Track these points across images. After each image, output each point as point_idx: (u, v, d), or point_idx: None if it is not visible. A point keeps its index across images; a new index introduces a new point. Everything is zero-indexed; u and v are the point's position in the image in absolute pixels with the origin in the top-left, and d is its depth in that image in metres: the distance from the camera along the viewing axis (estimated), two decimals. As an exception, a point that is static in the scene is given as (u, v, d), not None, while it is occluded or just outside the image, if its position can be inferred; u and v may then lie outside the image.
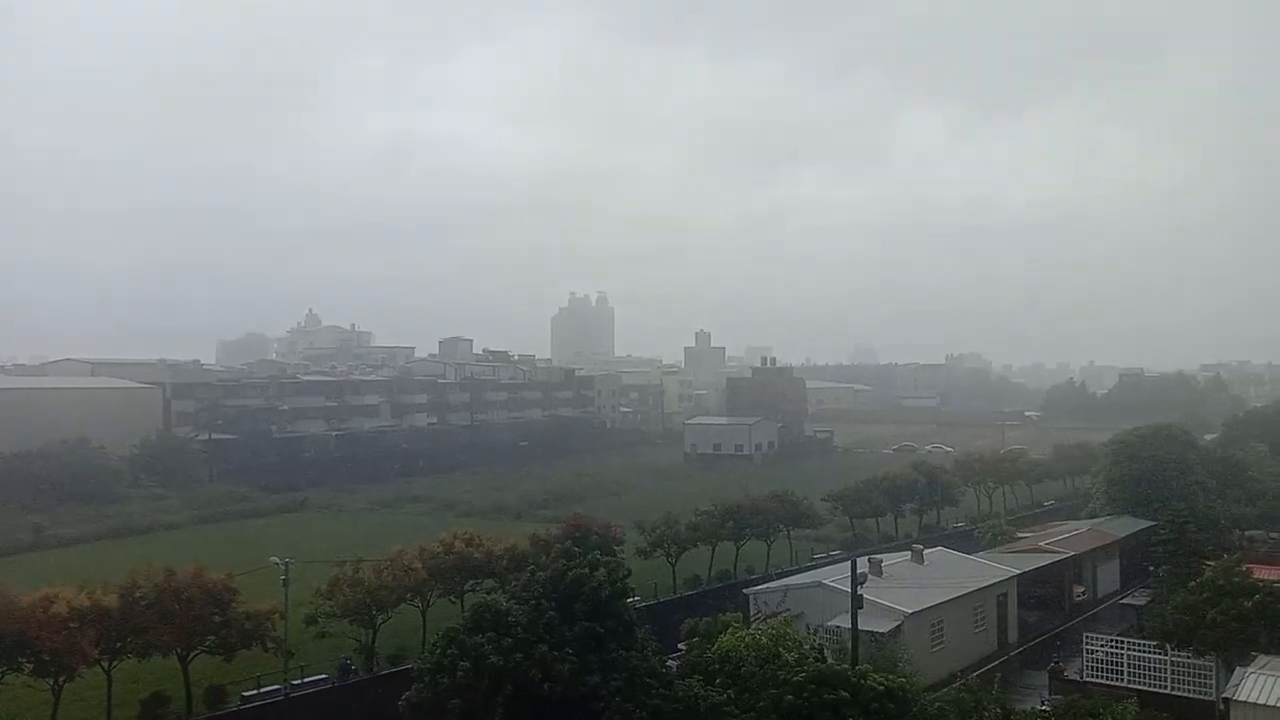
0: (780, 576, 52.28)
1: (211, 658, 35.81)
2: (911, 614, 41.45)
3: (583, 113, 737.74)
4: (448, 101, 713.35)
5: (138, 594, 33.70)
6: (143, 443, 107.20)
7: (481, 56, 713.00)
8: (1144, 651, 39.12)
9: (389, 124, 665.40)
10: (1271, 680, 30.32)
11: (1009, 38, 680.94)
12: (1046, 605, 55.54)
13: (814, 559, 62.12)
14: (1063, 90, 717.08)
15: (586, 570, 33.68)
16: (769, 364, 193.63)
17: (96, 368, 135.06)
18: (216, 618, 34.53)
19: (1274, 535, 66.25)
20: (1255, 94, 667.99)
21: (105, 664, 33.16)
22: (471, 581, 43.68)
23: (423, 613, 42.45)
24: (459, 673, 30.17)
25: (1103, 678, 39.69)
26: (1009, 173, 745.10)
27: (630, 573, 38.31)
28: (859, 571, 36.65)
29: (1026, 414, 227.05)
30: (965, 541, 66.58)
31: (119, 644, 33.10)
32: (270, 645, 36.28)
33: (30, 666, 30.90)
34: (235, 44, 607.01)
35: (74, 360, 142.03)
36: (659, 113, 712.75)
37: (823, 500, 70.69)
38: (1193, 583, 39.78)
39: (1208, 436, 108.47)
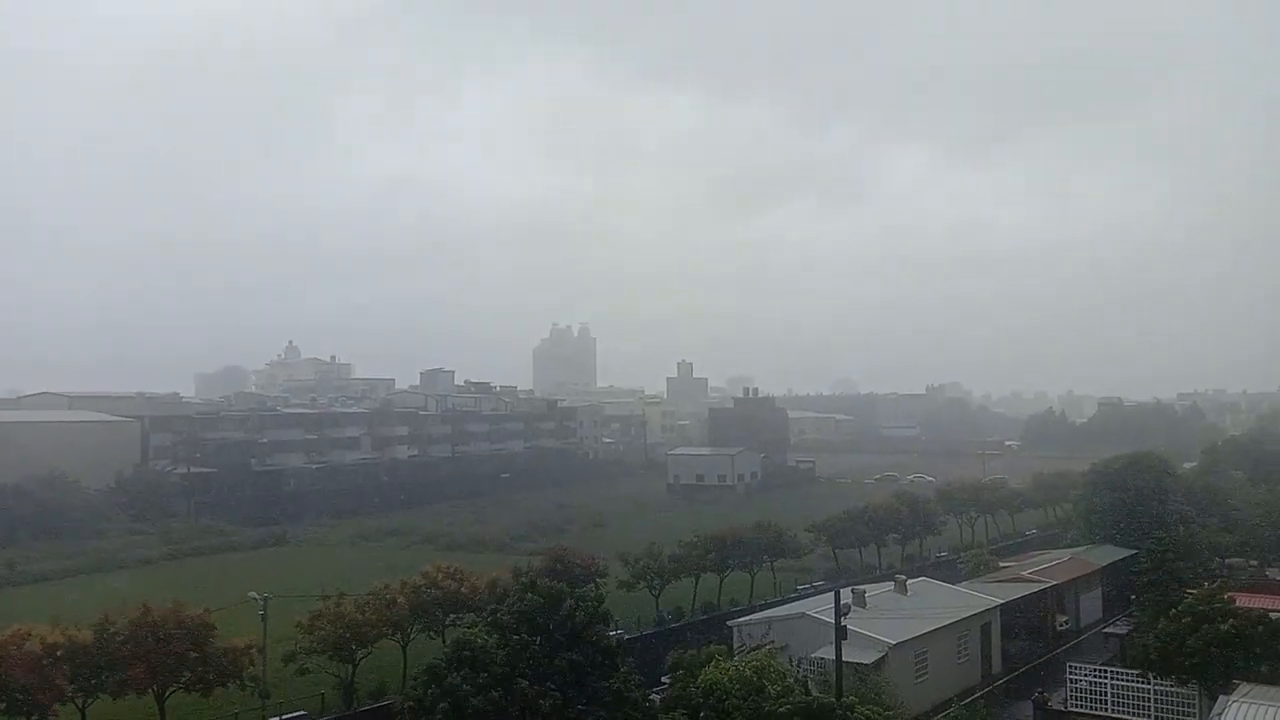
0: (764, 608, 52.11)
1: (188, 695, 35.26)
2: (895, 645, 41.33)
3: (575, 150, 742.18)
4: (442, 138, 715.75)
5: (112, 630, 33.22)
6: (119, 477, 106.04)
7: (479, 94, 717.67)
8: (1127, 681, 39.14)
9: (381, 159, 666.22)
10: (1254, 709, 30.33)
11: (989, 79, 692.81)
12: (1030, 635, 55.50)
13: (798, 590, 61.97)
14: (1041, 127, 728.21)
15: (555, 600, 33.50)
16: (751, 394, 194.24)
17: (74, 401, 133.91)
18: (193, 654, 34.00)
19: (1253, 563, 66.55)
20: (1226, 131, 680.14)
21: (80, 702, 32.61)
22: (452, 616, 43.31)
23: (403, 648, 42.02)
24: (438, 714, 29.84)
25: (1087, 708, 39.65)
26: (988, 207, 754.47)
27: (604, 600, 38.04)
28: (843, 602, 36.57)
29: (1006, 443, 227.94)
30: (948, 571, 66.64)
31: (93, 681, 32.55)
32: (248, 682, 35.79)
33: (2, 705, 30.34)
34: (233, 79, 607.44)
35: (51, 394, 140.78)
36: (649, 151, 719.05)
37: (806, 531, 70.58)
38: (1173, 610, 39.90)
39: (1186, 465, 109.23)
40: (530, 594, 34.14)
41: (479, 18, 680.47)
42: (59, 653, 31.35)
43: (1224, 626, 36.32)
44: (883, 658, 40.47)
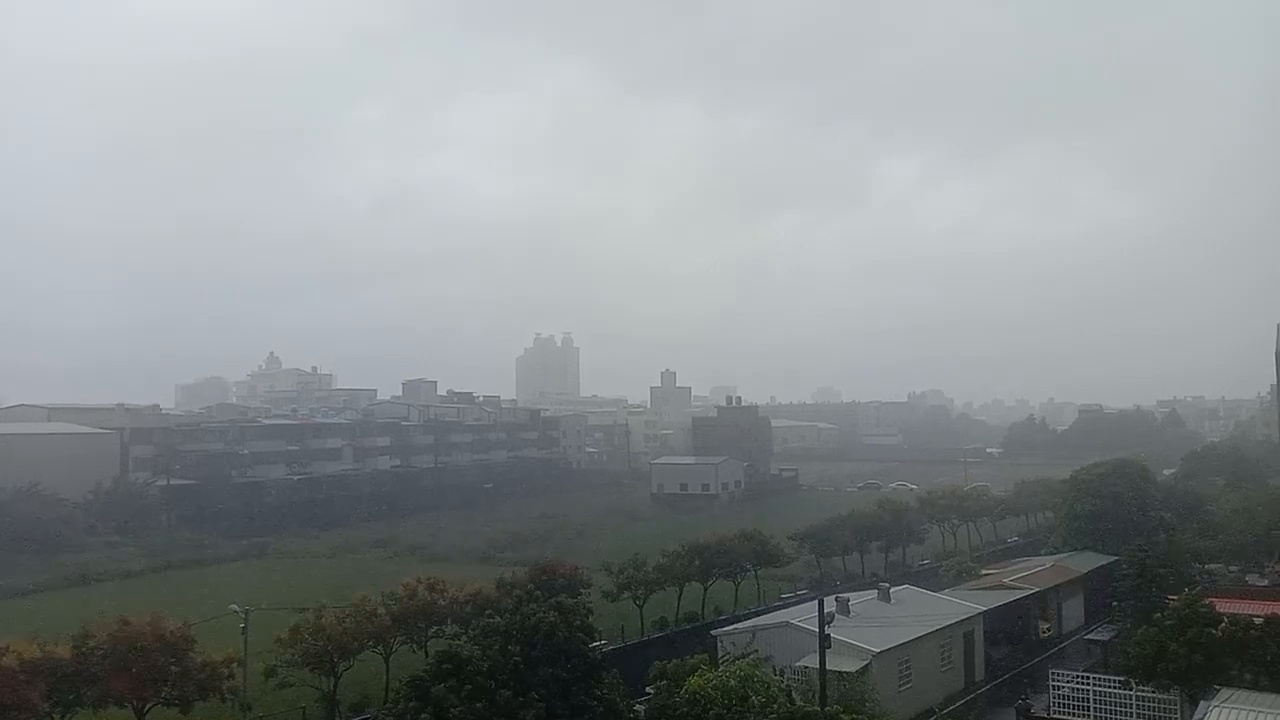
0: (748, 617, 52.06)
1: (168, 709, 34.96)
2: (879, 653, 41.35)
3: (573, 160, 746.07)
4: (439, 148, 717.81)
5: (91, 644, 32.89)
6: (99, 489, 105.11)
7: (479, 105, 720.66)
8: (1109, 687, 39.28)
9: (380, 168, 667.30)
10: (1234, 713, 30.51)
11: (987, 85, 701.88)
12: (1012, 642, 55.62)
13: (781, 598, 61.97)
14: (1026, 138, 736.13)
15: (544, 613, 33.38)
16: (734, 403, 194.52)
17: (52, 413, 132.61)
18: (173, 668, 33.69)
19: (1233, 569, 67.01)
20: (1209, 140, 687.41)
21: (57, 717, 32.25)
22: (436, 627, 43.10)
23: (385, 660, 41.80)
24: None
25: (1070, 714, 39.77)
26: (972, 217, 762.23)
27: (592, 613, 38.01)
28: (827, 611, 36.58)
29: (988, 451, 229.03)
30: (931, 579, 66.76)
31: (71, 696, 32.21)
32: (229, 696, 35.50)
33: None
34: (235, 87, 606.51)
35: (29, 406, 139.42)
36: (649, 161, 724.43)
37: (789, 539, 70.60)
38: (1156, 616, 40.09)
39: (1166, 471, 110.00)
40: (526, 607, 34.06)
41: (482, 22, 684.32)
42: (37, 668, 30.98)
43: (1215, 632, 36.50)
44: (866, 666, 40.47)
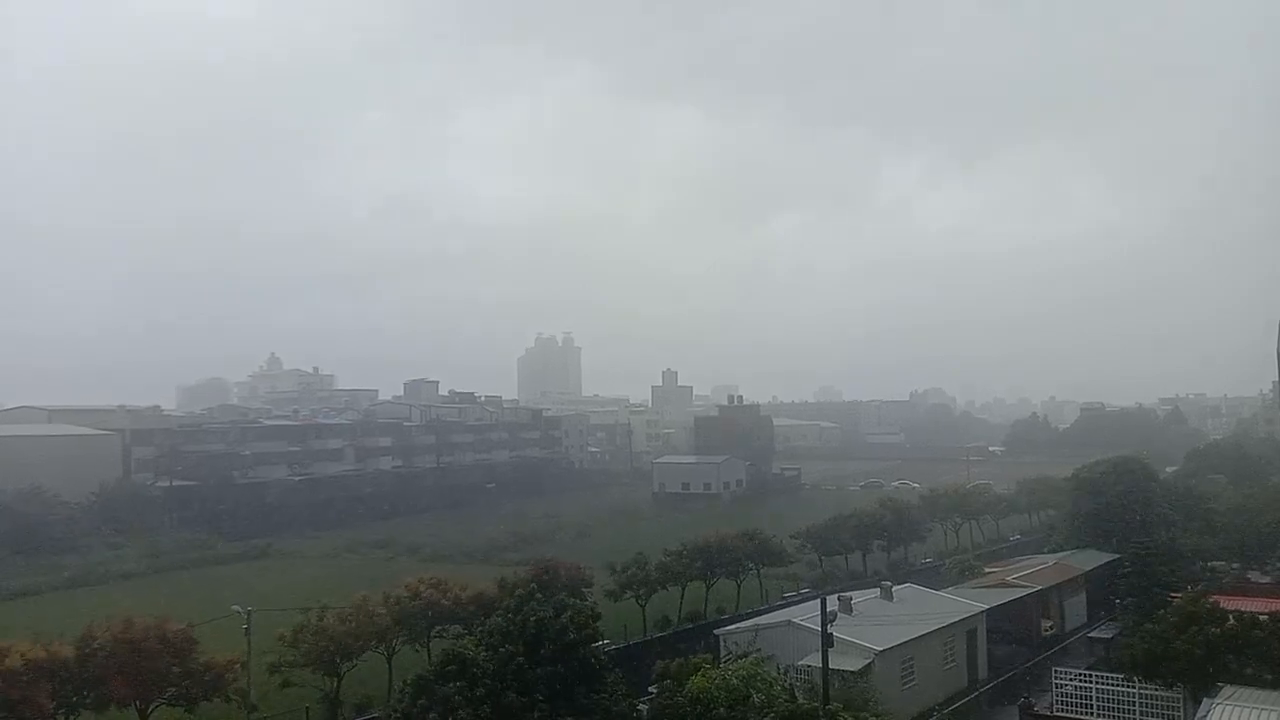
0: (750, 616, 52.03)
1: (172, 710, 35.01)
2: (882, 651, 41.33)
3: (574, 162, 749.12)
4: (441, 150, 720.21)
5: (94, 645, 32.92)
6: (100, 490, 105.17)
7: (481, 109, 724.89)
8: (1112, 685, 39.24)
9: (378, 172, 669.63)
10: (1238, 711, 30.48)
11: (987, 85, 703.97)
12: (1015, 640, 55.59)
13: (784, 597, 61.96)
14: (1025, 139, 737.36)
15: (551, 613, 33.36)
16: (736, 402, 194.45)
17: (53, 414, 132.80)
18: (176, 669, 33.75)
19: (1235, 566, 66.93)
20: (1211, 139, 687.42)
21: (62, 718, 32.29)
22: (438, 627, 43.13)
23: (388, 660, 41.81)
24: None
25: (1073, 712, 39.73)
26: (974, 217, 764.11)
27: (598, 615, 38.03)
28: (829, 609, 36.56)
29: (990, 449, 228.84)
30: (933, 577, 66.72)
31: (75, 697, 32.28)
32: (232, 696, 35.53)
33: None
34: (242, 90, 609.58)
35: (30, 407, 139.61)
36: (650, 162, 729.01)
37: (791, 538, 70.59)
38: (1160, 613, 39.99)
39: (1168, 469, 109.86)
40: (528, 606, 34.05)
41: (485, 26, 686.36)
42: (40, 668, 31.01)
43: (1218, 630, 36.41)
44: (869, 664, 40.45)
